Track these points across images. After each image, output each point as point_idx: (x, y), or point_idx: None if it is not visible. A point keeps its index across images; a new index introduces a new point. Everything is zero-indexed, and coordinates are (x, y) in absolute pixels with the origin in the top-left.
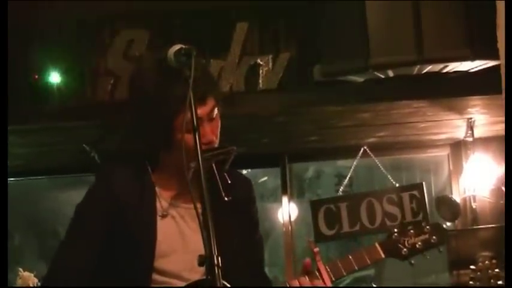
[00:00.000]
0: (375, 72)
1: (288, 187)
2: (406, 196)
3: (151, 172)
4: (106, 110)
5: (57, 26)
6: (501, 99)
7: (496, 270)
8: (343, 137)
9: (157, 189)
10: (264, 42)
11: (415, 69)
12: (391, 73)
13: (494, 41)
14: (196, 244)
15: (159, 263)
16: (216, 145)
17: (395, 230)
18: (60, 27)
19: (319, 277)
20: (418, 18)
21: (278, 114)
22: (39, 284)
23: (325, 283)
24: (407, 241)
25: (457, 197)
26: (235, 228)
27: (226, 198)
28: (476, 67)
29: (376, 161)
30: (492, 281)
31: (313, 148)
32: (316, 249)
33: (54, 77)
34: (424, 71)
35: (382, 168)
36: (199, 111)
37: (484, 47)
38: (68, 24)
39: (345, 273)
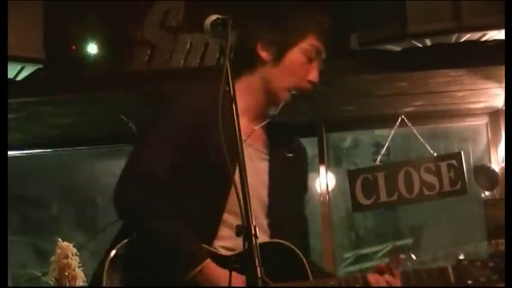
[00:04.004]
0: (412, 41)
1: (325, 156)
2: (444, 165)
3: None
4: (143, 80)
5: None
6: None
7: None
8: (381, 106)
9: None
10: None
11: (453, 38)
12: (428, 42)
13: None
14: (260, 191)
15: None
16: None
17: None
18: None
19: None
20: None
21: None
22: (77, 253)
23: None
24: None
25: (495, 166)
26: (291, 183)
27: (289, 154)
28: None
29: (414, 130)
30: None
31: (351, 117)
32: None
33: (92, 48)
34: (462, 39)
35: (419, 137)
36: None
37: None
38: None
39: None
